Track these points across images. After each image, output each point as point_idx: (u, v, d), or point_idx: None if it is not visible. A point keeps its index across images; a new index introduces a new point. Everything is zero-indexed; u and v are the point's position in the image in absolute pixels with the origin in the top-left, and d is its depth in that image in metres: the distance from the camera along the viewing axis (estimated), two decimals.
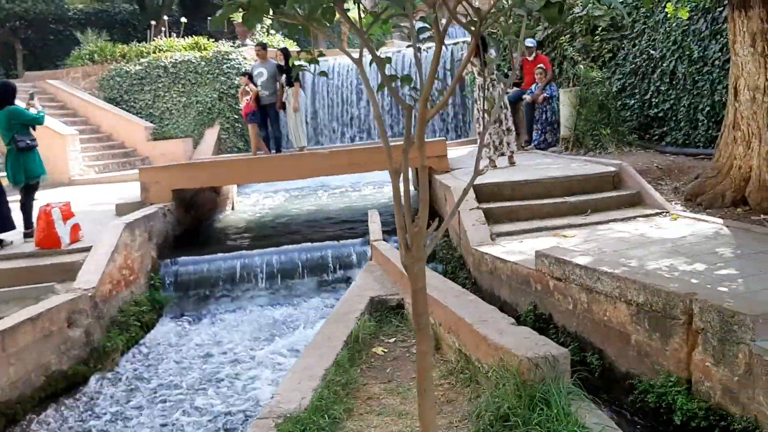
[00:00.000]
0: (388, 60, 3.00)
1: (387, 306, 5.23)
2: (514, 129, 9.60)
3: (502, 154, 9.51)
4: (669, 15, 8.70)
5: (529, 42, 11.68)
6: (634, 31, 10.92)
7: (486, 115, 9.23)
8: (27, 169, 7.88)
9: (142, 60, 18.64)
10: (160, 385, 6.09)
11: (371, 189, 13.92)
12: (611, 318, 4.74)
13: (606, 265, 4.95)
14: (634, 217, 7.23)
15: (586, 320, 5.06)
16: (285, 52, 12.14)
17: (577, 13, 11.51)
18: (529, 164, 9.55)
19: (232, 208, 13.21)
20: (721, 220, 6.61)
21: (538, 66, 11.28)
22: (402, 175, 2.47)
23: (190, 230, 10.27)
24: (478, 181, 8.24)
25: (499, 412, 3.22)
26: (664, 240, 6.13)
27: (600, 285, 4.80)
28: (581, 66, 10.59)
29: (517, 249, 6.48)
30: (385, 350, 4.62)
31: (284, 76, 11.63)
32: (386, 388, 3.94)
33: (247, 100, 11.64)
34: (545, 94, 11.09)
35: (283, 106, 11.96)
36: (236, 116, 17.11)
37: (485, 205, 7.64)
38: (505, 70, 12.56)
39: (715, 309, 3.81)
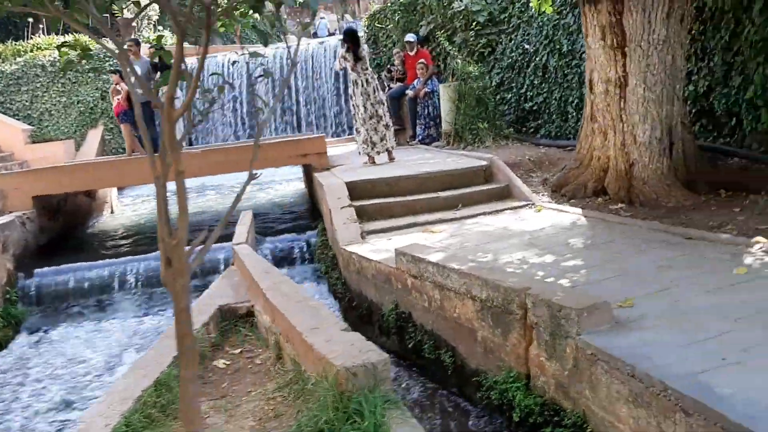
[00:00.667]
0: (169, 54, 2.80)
1: (237, 314, 5.00)
2: (392, 124, 9.54)
3: (386, 150, 9.42)
4: (534, 9, 8.84)
5: (410, 37, 11.67)
6: (510, 25, 11.09)
7: (361, 110, 9.13)
8: None
9: (18, 59, 17.62)
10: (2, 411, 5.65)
11: (256, 188, 13.54)
12: (460, 315, 4.70)
13: (462, 260, 4.90)
14: (502, 210, 7.28)
15: (440, 318, 5.00)
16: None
17: (457, 8, 11.58)
18: (409, 160, 9.51)
19: (112, 212, 12.59)
20: (580, 210, 6.74)
21: (420, 61, 11.28)
22: (162, 182, 2.25)
23: (59, 238, 9.69)
24: (354, 178, 8.16)
25: (317, 427, 3.07)
26: (523, 232, 6.18)
27: (450, 282, 4.74)
28: (458, 61, 10.64)
29: (385, 247, 6.37)
30: (228, 362, 4.40)
31: (159, 73, 11.14)
32: (215, 405, 3.73)
33: (118, 99, 11.08)
34: (426, 89, 11.09)
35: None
36: None
37: (359, 203, 7.51)
38: (388, 66, 12.53)
39: (545, 303, 3.80)
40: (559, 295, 3.83)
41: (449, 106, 10.50)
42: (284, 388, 3.84)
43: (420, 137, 11.31)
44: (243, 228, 7.20)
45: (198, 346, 4.23)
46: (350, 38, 9.16)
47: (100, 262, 8.47)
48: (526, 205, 7.35)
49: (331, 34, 24.71)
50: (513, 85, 10.90)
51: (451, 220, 7.15)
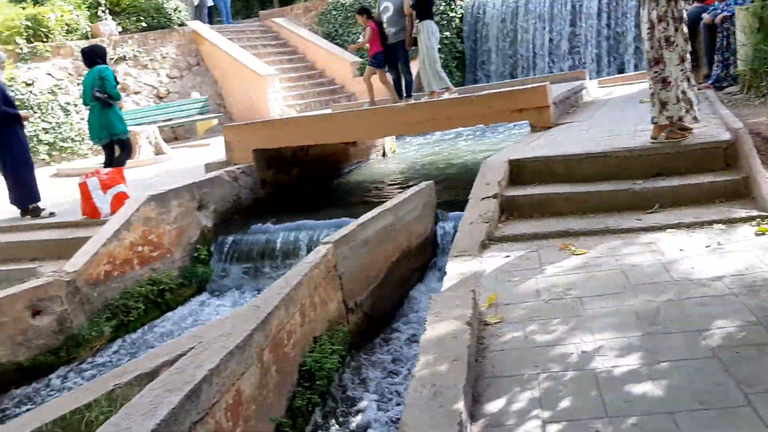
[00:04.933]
0: None
1: None
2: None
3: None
4: None
5: None
6: None
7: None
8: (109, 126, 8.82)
9: None
10: None
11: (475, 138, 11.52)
12: None
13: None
14: (710, 223, 4.67)
15: None
16: None
17: None
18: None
19: (384, 155, 12.32)
20: None
21: None
22: None
23: (290, 191, 9.64)
24: (523, 155, 6.22)
25: None
26: (677, 283, 3.78)
27: None
28: None
29: (492, 267, 4.62)
30: None
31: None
32: None
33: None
34: (726, 13, 7.84)
35: (415, 43, 10.48)
36: None
37: (515, 192, 5.70)
38: None
39: None
40: None
41: (745, 37, 7.27)
42: None
43: (714, 77, 8.20)
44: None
45: None
46: None
47: (298, 223, 8.12)
48: (757, 217, 4.59)
49: None
50: None
51: (624, 231, 4.85)
